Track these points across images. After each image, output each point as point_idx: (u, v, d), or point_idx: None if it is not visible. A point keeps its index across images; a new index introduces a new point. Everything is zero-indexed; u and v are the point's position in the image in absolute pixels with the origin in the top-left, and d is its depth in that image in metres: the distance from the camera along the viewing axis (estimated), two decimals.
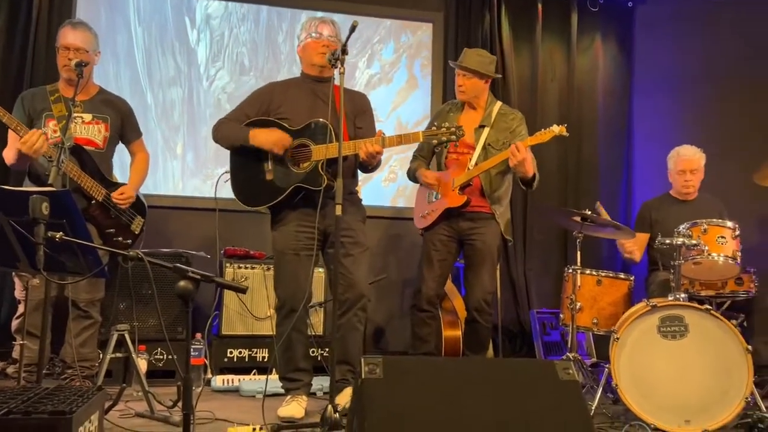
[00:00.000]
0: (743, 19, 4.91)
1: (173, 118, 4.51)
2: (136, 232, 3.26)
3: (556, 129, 3.19)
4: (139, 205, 3.29)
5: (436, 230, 3.42)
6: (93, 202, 3.10)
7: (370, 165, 2.93)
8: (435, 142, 2.91)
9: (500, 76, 4.44)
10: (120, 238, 3.20)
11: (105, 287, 3.28)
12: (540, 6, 5.02)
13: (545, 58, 5.08)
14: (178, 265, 1.73)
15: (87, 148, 3.13)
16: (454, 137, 2.88)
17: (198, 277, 1.70)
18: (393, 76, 4.85)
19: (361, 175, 3.16)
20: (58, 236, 1.91)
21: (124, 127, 3.33)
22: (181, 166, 4.50)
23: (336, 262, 2.61)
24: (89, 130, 3.20)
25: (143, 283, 3.52)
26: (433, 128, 2.92)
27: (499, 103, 3.51)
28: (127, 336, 2.89)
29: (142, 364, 3.05)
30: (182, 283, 1.68)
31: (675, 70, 5.00)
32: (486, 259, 3.37)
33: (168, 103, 4.50)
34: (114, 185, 3.20)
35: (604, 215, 3.44)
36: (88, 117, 3.20)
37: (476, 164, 3.34)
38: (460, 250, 3.48)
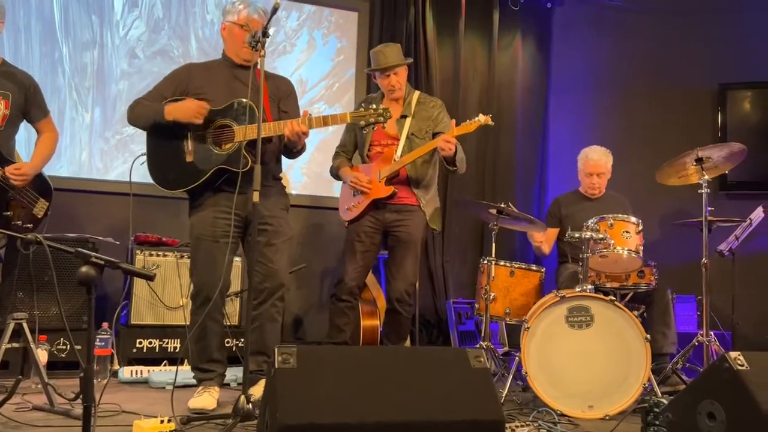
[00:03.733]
0: (649, 27, 5.19)
1: (85, 75, 4.27)
2: (39, 216, 3.07)
3: (482, 118, 3.24)
4: (43, 188, 3.09)
5: (362, 222, 3.42)
6: None
7: (295, 147, 2.86)
8: (363, 123, 2.86)
9: (412, 60, 4.46)
10: (19, 222, 3.01)
11: (3, 274, 3.08)
12: (463, 2, 5.09)
13: (467, 54, 5.16)
14: (81, 249, 1.64)
15: None
16: (381, 119, 2.84)
17: (101, 262, 1.62)
18: (296, 41, 4.85)
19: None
20: None
21: (28, 104, 3.12)
22: (90, 123, 4.28)
23: (252, 250, 2.55)
24: None
25: (45, 269, 3.33)
26: (361, 109, 2.88)
27: (417, 93, 3.55)
28: (24, 325, 2.72)
29: (41, 355, 2.88)
30: (84, 268, 1.59)
31: (588, 71, 5.22)
32: (409, 250, 3.41)
33: (79, 60, 4.26)
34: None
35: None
36: None
37: (401, 155, 3.36)
38: (383, 241, 3.50)
